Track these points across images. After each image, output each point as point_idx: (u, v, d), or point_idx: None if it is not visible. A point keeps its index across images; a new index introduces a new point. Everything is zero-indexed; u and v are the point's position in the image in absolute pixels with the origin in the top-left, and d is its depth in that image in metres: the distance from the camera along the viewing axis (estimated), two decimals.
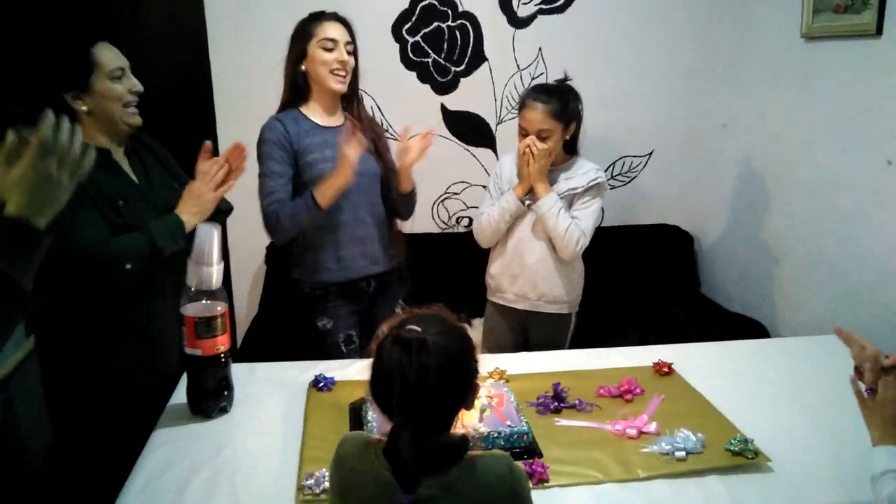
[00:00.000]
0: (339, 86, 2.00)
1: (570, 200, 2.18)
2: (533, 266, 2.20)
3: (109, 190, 1.61)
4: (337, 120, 2.07)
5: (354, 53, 2.04)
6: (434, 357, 0.93)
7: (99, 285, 1.61)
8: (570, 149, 2.24)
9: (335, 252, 2.05)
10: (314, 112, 2.04)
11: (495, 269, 2.29)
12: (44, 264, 1.11)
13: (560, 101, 2.10)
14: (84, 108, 1.61)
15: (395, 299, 2.22)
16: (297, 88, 2.02)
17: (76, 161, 1.15)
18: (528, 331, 2.32)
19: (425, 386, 0.93)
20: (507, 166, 2.28)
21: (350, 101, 2.10)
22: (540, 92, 2.14)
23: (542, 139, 2.09)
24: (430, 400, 0.95)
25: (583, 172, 2.19)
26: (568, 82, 2.19)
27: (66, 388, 1.59)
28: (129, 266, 1.57)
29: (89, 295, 1.60)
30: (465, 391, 1.00)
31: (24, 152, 1.10)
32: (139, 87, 1.67)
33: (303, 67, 1.99)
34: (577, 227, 2.14)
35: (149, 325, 1.69)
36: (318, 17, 2.00)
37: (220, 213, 1.82)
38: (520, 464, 1.04)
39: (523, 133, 2.13)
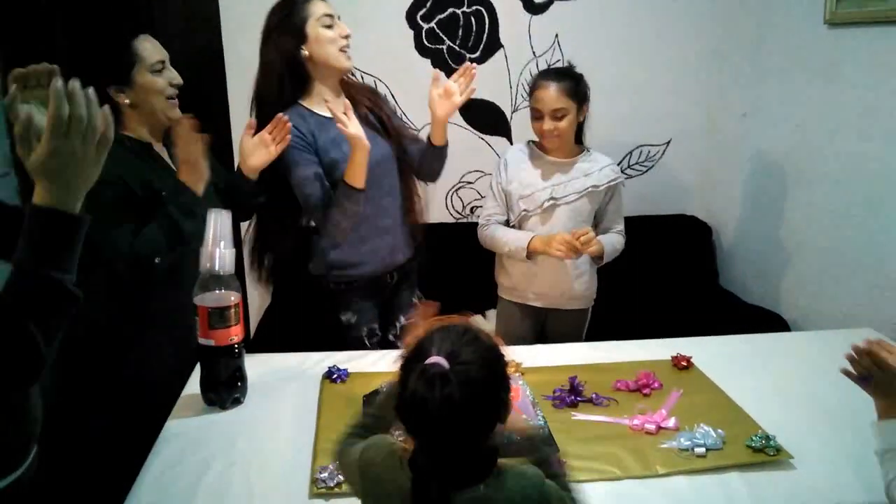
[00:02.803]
0: (349, 62, 1.93)
1: (588, 197, 2.14)
2: (553, 265, 2.15)
3: (152, 180, 1.63)
4: (341, 105, 1.96)
5: None
6: (460, 390, 0.89)
7: (130, 278, 1.62)
8: (578, 138, 2.19)
9: (360, 247, 2.00)
10: (317, 103, 1.95)
11: (511, 268, 2.24)
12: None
13: (572, 80, 2.08)
14: (127, 101, 1.63)
15: (413, 289, 2.19)
16: (298, 80, 1.92)
17: (98, 132, 1.01)
18: (546, 326, 2.29)
19: (450, 421, 0.89)
20: (513, 163, 2.19)
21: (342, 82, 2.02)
22: (551, 72, 2.12)
23: (558, 119, 2.05)
24: (455, 433, 0.91)
25: (599, 168, 2.15)
26: (574, 68, 2.15)
27: (80, 376, 1.59)
28: (157, 260, 1.59)
29: (114, 283, 1.61)
30: (494, 413, 0.95)
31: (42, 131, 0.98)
32: (179, 79, 1.69)
33: (305, 52, 1.88)
34: (620, 236, 2.19)
35: (169, 315, 1.68)
36: None
37: (251, 197, 1.87)
38: (552, 484, 0.99)
39: (537, 115, 2.09)
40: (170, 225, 1.60)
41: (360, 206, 1.89)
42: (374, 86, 2.94)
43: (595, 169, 2.15)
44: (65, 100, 0.96)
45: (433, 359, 0.91)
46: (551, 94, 2.04)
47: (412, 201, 2.13)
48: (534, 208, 2.14)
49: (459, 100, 1.93)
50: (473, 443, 0.93)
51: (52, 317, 0.99)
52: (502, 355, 0.97)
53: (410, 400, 0.91)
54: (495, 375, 0.95)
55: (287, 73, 1.90)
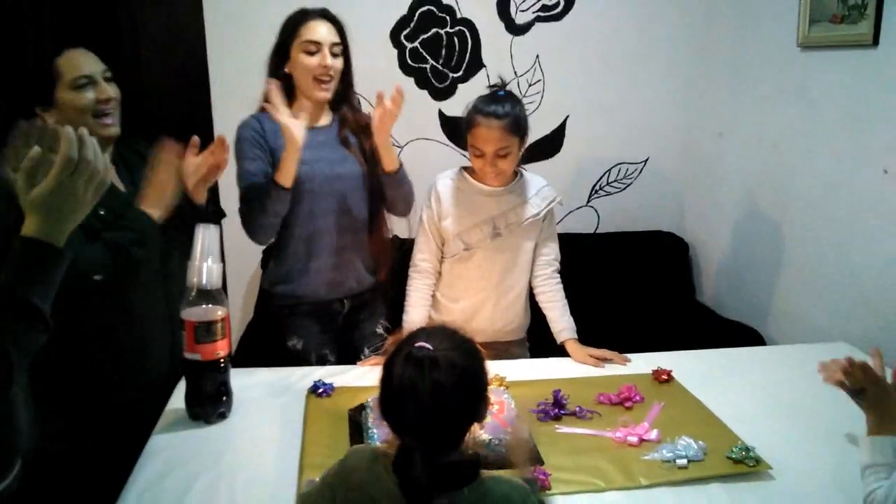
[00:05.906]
0: (323, 94, 1.87)
1: (531, 226, 1.98)
2: (493, 304, 2.03)
3: None
4: (324, 121, 1.96)
5: (345, 54, 1.90)
6: (447, 374, 0.91)
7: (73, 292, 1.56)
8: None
9: (305, 263, 1.94)
10: (298, 113, 1.88)
11: (452, 305, 2.04)
12: None
13: (513, 111, 1.85)
14: (51, 120, 1.52)
15: (375, 318, 2.11)
16: (286, 90, 1.87)
17: (100, 177, 1.10)
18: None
19: (440, 405, 0.91)
20: (445, 195, 1.98)
21: (339, 104, 1.96)
22: (491, 104, 1.85)
23: (502, 157, 1.86)
24: (444, 419, 0.93)
25: (535, 192, 1.99)
26: (507, 87, 1.93)
27: (53, 392, 1.56)
28: (97, 277, 1.50)
29: (68, 298, 1.56)
30: (477, 406, 0.98)
31: (47, 169, 1.06)
32: (108, 93, 1.57)
33: (286, 70, 1.87)
34: (556, 270, 2.05)
35: (134, 328, 1.65)
36: (303, 16, 1.86)
37: (210, 215, 1.74)
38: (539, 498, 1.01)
39: (478, 154, 1.88)
40: (117, 249, 1.51)
41: (284, 206, 1.83)
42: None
43: (532, 193, 1.99)
44: (76, 144, 1.06)
45: (419, 343, 0.94)
46: (494, 133, 1.83)
47: (379, 232, 2.05)
48: (476, 245, 1.96)
49: (388, 121, 1.82)
50: (456, 435, 0.96)
51: (25, 337, 1.05)
52: (480, 350, 1.00)
53: (399, 388, 0.93)
54: (478, 364, 0.98)
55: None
